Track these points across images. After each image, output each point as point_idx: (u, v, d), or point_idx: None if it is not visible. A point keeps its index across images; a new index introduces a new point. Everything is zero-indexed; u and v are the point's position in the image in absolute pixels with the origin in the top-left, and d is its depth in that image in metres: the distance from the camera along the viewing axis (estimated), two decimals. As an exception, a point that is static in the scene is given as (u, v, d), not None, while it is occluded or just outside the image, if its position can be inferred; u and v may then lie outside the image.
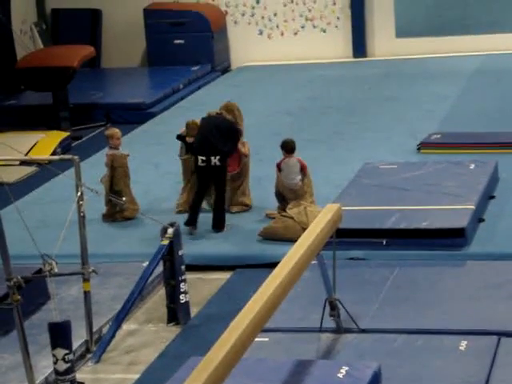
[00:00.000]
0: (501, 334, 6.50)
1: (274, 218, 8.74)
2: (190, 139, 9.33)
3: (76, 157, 6.81)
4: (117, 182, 9.14)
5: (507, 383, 5.95)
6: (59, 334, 5.97)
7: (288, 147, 8.69)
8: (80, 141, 12.86)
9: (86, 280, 6.82)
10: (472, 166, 9.52)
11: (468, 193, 8.77)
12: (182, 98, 14.36)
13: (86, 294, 6.84)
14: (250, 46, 16.29)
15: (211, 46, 15.79)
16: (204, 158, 8.69)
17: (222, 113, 9.03)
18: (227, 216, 8.95)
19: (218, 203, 8.82)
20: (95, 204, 8.51)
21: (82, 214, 6.77)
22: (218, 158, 8.66)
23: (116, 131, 9.38)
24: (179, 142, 9.51)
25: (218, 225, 8.81)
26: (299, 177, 8.66)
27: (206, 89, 14.90)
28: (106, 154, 9.33)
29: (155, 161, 11.23)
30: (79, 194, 6.68)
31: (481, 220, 8.57)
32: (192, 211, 8.84)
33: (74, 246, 7.01)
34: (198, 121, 9.34)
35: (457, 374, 6.05)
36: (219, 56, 16.01)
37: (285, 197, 8.77)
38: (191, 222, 8.79)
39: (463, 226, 8.07)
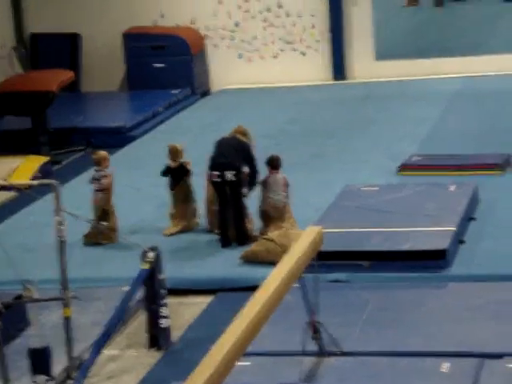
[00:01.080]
0: (483, 356, 6.49)
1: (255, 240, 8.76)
2: (173, 164, 9.33)
3: (55, 181, 6.77)
4: (109, 203, 9.21)
5: (490, 405, 5.94)
6: (39, 360, 5.92)
7: (274, 163, 8.88)
8: (60, 165, 12.81)
9: (66, 305, 6.76)
10: (452, 188, 9.55)
11: (449, 214, 8.80)
12: (162, 122, 14.36)
13: (67, 319, 6.79)
14: (229, 69, 16.34)
15: (191, 70, 15.82)
16: (219, 173, 8.80)
17: (236, 136, 9.14)
18: (211, 237, 8.94)
19: (237, 218, 8.86)
20: (75, 228, 8.45)
21: (61, 239, 6.72)
22: (232, 173, 8.75)
23: (106, 153, 9.45)
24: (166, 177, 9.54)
25: (242, 241, 8.83)
26: (284, 193, 8.78)
27: (186, 112, 14.90)
28: (102, 176, 9.29)
29: (136, 185, 11.20)
30: (59, 218, 6.64)
31: (462, 242, 8.59)
32: (222, 231, 8.90)
33: (55, 271, 6.96)
34: (179, 145, 9.40)
35: (440, 396, 6.03)
36: (199, 79, 16.03)
37: (268, 216, 8.81)
38: (226, 244, 8.87)
39: (444, 248, 8.08)
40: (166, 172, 9.45)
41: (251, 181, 8.96)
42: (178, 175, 9.38)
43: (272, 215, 8.85)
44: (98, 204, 9.23)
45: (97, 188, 9.32)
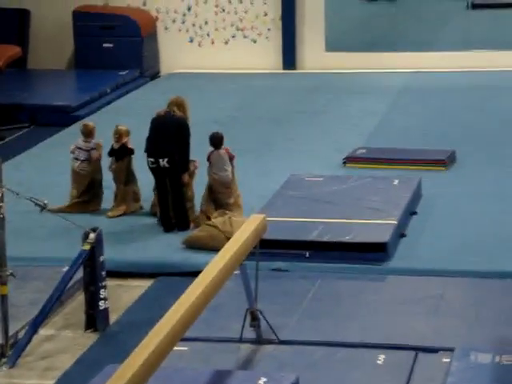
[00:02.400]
0: (418, 350, 6.58)
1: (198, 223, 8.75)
2: (116, 144, 9.28)
3: (-3, 157, 6.68)
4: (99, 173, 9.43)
5: (423, 397, 6.01)
6: (-27, 338, 5.83)
7: (215, 141, 8.91)
8: (3, 142, 12.62)
9: (2, 283, 6.68)
10: (396, 182, 9.63)
11: (391, 208, 8.87)
12: (108, 103, 14.21)
13: (3, 297, 6.71)
14: (179, 52, 16.24)
15: (140, 51, 15.68)
16: (153, 160, 8.74)
17: (171, 110, 8.89)
18: (155, 220, 8.95)
19: (176, 203, 8.81)
20: (16, 206, 8.35)
21: (1, 216, 6.64)
22: (166, 160, 8.67)
23: (94, 124, 9.66)
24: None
25: (181, 225, 8.79)
26: (230, 168, 8.85)
27: (133, 94, 14.78)
28: (91, 148, 9.39)
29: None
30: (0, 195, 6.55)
31: (403, 235, 8.67)
32: (163, 216, 8.83)
33: (-8, 249, 6.86)
34: (124, 126, 9.34)
35: (374, 387, 6.09)
36: (148, 62, 15.90)
37: (215, 192, 8.78)
38: (168, 228, 8.80)
39: (385, 241, 8.15)
40: (110, 153, 9.38)
41: (182, 162, 8.79)
42: (120, 156, 9.32)
43: (219, 191, 8.86)
44: (84, 173, 9.33)
45: (83, 158, 9.39)
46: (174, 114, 8.87)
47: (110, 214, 9.30)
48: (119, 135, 9.33)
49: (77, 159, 9.47)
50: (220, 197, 8.90)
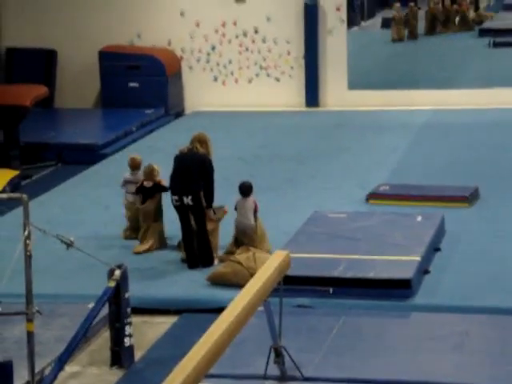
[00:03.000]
0: (443, 386, 6.56)
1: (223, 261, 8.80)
2: (148, 183, 9.45)
3: (24, 195, 6.77)
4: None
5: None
6: (1, 375, 5.88)
7: (244, 189, 8.96)
8: (30, 180, 12.78)
9: (29, 320, 6.73)
10: (419, 218, 9.64)
11: (414, 244, 8.88)
12: (134, 141, 14.38)
13: (29, 334, 6.76)
14: (204, 91, 16.42)
15: (165, 90, 15.88)
16: (177, 198, 8.81)
17: (194, 147, 8.96)
18: (179, 257, 8.97)
19: (200, 240, 8.88)
20: (42, 244, 8.44)
21: (28, 254, 6.70)
22: (190, 197, 8.75)
23: (141, 158, 9.95)
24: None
25: (205, 262, 8.86)
26: (252, 218, 8.88)
27: (158, 132, 14.94)
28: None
29: (105, 202, 11.20)
30: (26, 233, 6.63)
31: (426, 272, 8.66)
32: (188, 253, 8.90)
33: (20, 286, 6.94)
34: (155, 164, 9.52)
35: (399, 424, 6.08)
36: (173, 100, 16.09)
37: (239, 241, 8.87)
38: (193, 265, 8.87)
39: (409, 278, 8.15)
40: (140, 190, 9.51)
41: (207, 198, 8.86)
42: (151, 194, 9.43)
43: (241, 240, 8.88)
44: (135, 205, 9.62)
45: (133, 191, 9.66)
46: (196, 151, 8.94)
47: (136, 249, 9.38)
48: (151, 173, 9.47)
49: (127, 192, 9.77)
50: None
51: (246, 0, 16.27)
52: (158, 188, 9.44)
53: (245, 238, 8.87)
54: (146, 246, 9.38)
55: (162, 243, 9.47)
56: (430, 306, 8.01)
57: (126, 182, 9.81)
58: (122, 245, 9.60)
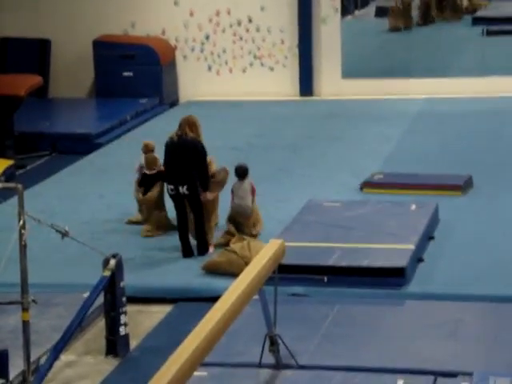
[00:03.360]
0: (437, 374, 6.59)
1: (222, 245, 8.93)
2: (150, 172, 9.53)
3: (19, 185, 6.78)
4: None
5: (442, 421, 6.03)
6: (-4, 364, 5.91)
7: (240, 172, 9.05)
8: (24, 169, 12.78)
9: (25, 309, 6.75)
10: (413, 207, 9.67)
11: (408, 233, 8.91)
12: (128, 130, 14.37)
13: (25, 323, 6.78)
14: (198, 80, 16.40)
15: (160, 80, 15.85)
16: (172, 187, 8.81)
17: (183, 132, 8.86)
18: (173, 245, 8.99)
19: (196, 229, 8.92)
20: (37, 234, 8.45)
21: (23, 243, 6.72)
22: (185, 187, 8.75)
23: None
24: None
25: (200, 250, 8.90)
26: (250, 199, 8.99)
27: (153, 121, 14.93)
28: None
29: (100, 191, 11.21)
30: (21, 222, 6.64)
31: (420, 260, 8.70)
32: (182, 242, 8.92)
33: (15, 275, 6.96)
34: (153, 154, 9.57)
35: (393, 411, 6.12)
36: (168, 90, 16.07)
37: (235, 222, 8.93)
38: (187, 254, 8.88)
39: (403, 266, 8.19)
40: (143, 179, 9.60)
41: (203, 183, 8.83)
42: (152, 183, 9.53)
43: (238, 221, 8.96)
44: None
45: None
46: (186, 137, 8.83)
47: (144, 233, 9.47)
48: (153, 162, 9.52)
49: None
50: (240, 227, 9.00)
51: (240, -11, 16.25)
52: (161, 176, 9.43)
53: (242, 218, 8.95)
54: (152, 231, 9.46)
55: (169, 228, 9.52)
56: (424, 294, 8.05)
57: (142, 167, 9.77)
58: (117, 234, 9.62)
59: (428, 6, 20.71)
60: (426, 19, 20.51)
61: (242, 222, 8.95)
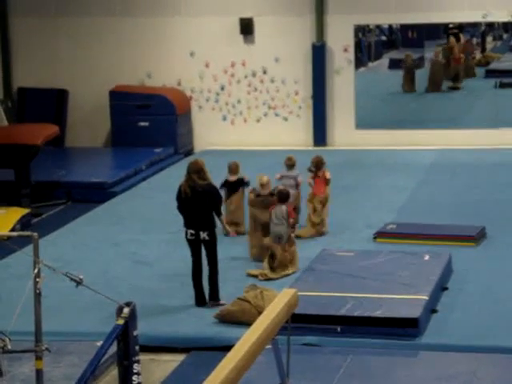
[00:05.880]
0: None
1: (255, 276, 9.40)
2: (233, 177, 10.74)
3: (35, 233, 6.84)
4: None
5: None
6: (9, 412, 5.90)
7: (281, 195, 9.81)
8: (40, 218, 12.87)
9: (38, 358, 6.77)
10: (426, 257, 9.68)
11: (422, 283, 8.90)
12: (143, 179, 14.48)
13: (39, 371, 6.79)
14: (213, 130, 16.55)
15: (175, 129, 16.02)
16: (193, 232, 8.89)
17: (194, 183, 8.80)
18: (187, 294, 9.00)
19: (211, 275, 8.97)
20: (52, 282, 8.50)
21: (37, 291, 6.75)
22: (206, 233, 8.86)
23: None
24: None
25: (212, 297, 8.94)
26: (286, 224, 9.52)
27: (168, 171, 15.03)
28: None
29: (114, 240, 11.27)
30: (36, 270, 6.68)
31: (434, 311, 8.68)
32: (196, 290, 8.96)
33: (29, 323, 6.98)
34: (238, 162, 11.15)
35: None
36: (183, 139, 16.22)
37: (271, 247, 9.54)
38: (200, 302, 8.92)
39: (416, 316, 8.17)
40: (224, 185, 10.71)
41: (218, 213, 8.99)
42: (236, 188, 10.83)
43: (273, 242, 9.45)
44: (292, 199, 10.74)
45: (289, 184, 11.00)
46: (198, 186, 8.81)
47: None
48: (236, 168, 11.05)
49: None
50: (274, 249, 9.40)
51: (255, 41, 16.46)
52: (242, 182, 10.96)
53: (277, 241, 9.46)
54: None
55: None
56: (438, 345, 8.02)
57: (283, 177, 11.17)
58: (131, 282, 9.65)
59: (437, 74, 19.97)
60: (437, 87, 19.84)
61: (275, 245, 9.34)
